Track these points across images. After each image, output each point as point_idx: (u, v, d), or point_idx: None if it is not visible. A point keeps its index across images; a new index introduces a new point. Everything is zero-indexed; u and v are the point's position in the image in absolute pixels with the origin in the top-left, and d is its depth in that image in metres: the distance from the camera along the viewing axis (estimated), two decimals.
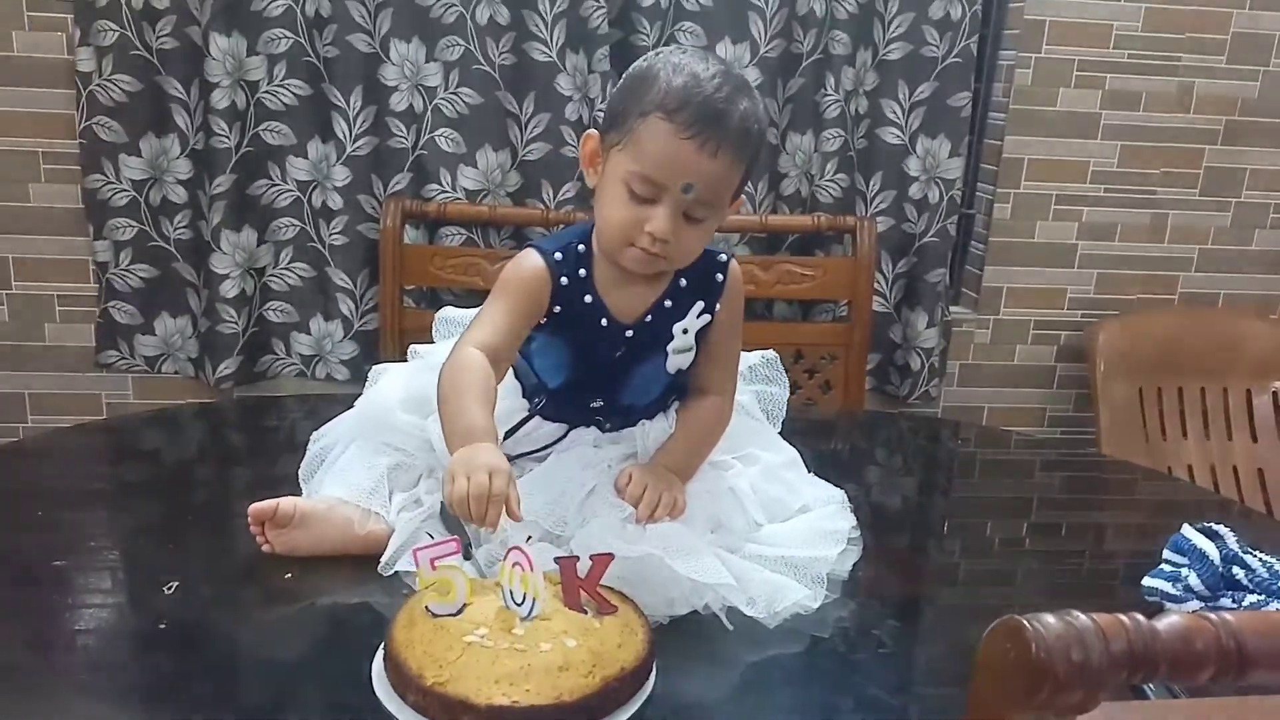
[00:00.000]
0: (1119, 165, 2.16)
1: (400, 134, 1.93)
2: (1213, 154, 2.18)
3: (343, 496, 1.03)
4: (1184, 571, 1.00)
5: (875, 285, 2.05)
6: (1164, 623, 0.52)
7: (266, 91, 1.89)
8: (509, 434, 1.06)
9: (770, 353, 1.24)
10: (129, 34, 1.84)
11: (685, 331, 1.05)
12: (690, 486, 1.04)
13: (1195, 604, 0.98)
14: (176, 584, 0.97)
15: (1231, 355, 2.15)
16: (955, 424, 1.80)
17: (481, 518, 0.86)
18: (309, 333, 2.02)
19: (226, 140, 1.87)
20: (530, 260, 1.03)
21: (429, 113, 1.93)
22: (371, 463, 1.05)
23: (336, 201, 1.95)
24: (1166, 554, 1.03)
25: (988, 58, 2.13)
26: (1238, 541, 1.01)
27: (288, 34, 1.86)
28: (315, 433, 1.15)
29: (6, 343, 1.99)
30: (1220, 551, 0.99)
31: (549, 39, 1.90)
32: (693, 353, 1.07)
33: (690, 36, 1.92)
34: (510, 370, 1.10)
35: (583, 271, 1.03)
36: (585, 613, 0.84)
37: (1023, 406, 2.27)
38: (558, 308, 1.03)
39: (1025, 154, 2.13)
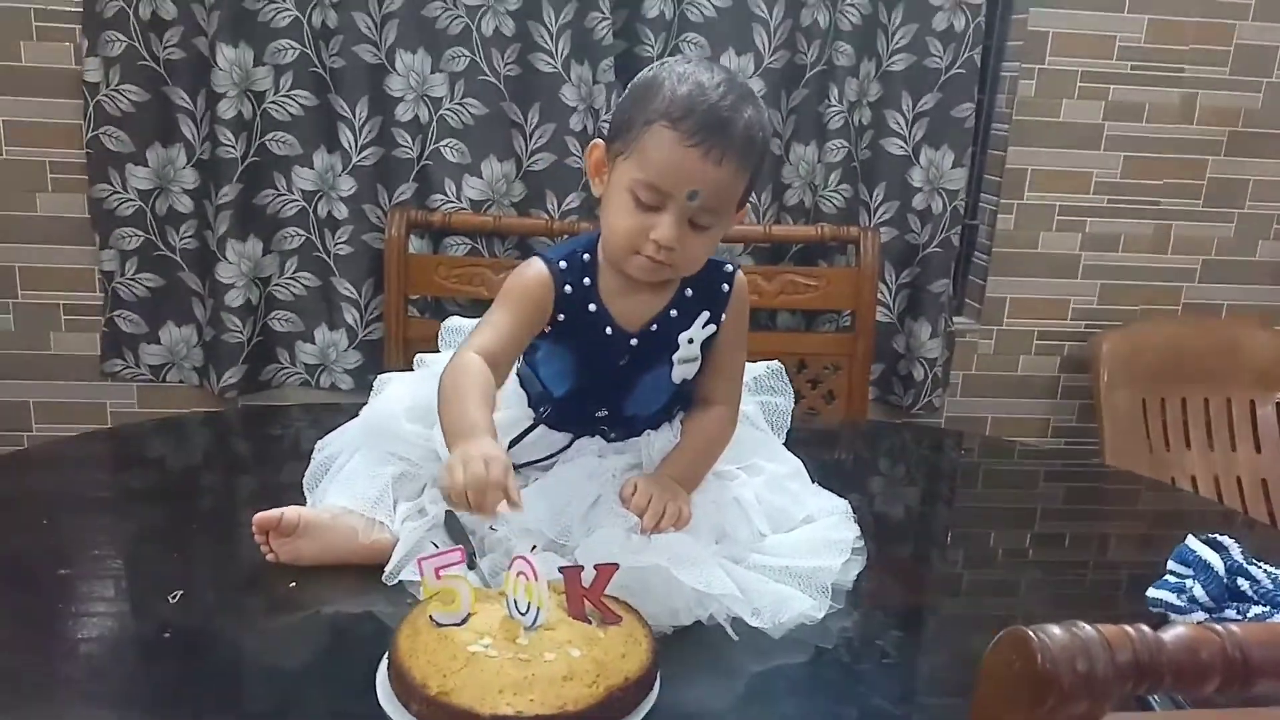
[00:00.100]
0: (1122, 176, 2.16)
1: (405, 144, 1.94)
2: (1216, 165, 2.18)
3: (347, 506, 1.03)
4: (1189, 583, 1.00)
5: (879, 295, 2.05)
6: (1169, 634, 0.52)
7: (273, 102, 1.90)
8: (514, 442, 1.06)
9: (775, 363, 1.24)
10: (136, 44, 1.85)
11: (690, 341, 1.05)
12: (695, 497, 1.05)
13: (1200, 615, 0.98)
14: (181, 593, 0.97)
15: (1235, 366, 2.15)
16: (959, 434, 1.79)
17: (480, 506, 0.85)
18: (314, 342, 2.03)
19: (233, 150, 1.88)
20: (534, 268, 1.04)
21: (434, 123, 1.93)
22: (376, 472, 1.06)
23: (342, 211, 1.96)
24: (1171, 565, 1.03)
25: (991, 69, 2.14)
26: (1242, 553, 1.01)
27: (294, 45, 1.87)
28: (320, 441, 1.15)
29: (12, 351, 2.00)
30: (1225, 563, 0.99)
31: (554, 50, 1.91)
32: (698, 363, 1.08)
33: (694, 48, 1.93)
34: (516, 379, 1.10)
35: (587, 280, 1.04)
36: (589, 622, 0.84)
37: (1026, 417, 2.27)
38: (561, 315, 1.03)
39: (1029, 165, 2.14)
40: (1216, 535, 1.03)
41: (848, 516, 1.13)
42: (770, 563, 1.02)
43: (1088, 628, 0.51)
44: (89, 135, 1.88)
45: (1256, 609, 0.97)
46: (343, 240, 1.97)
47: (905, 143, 2.04)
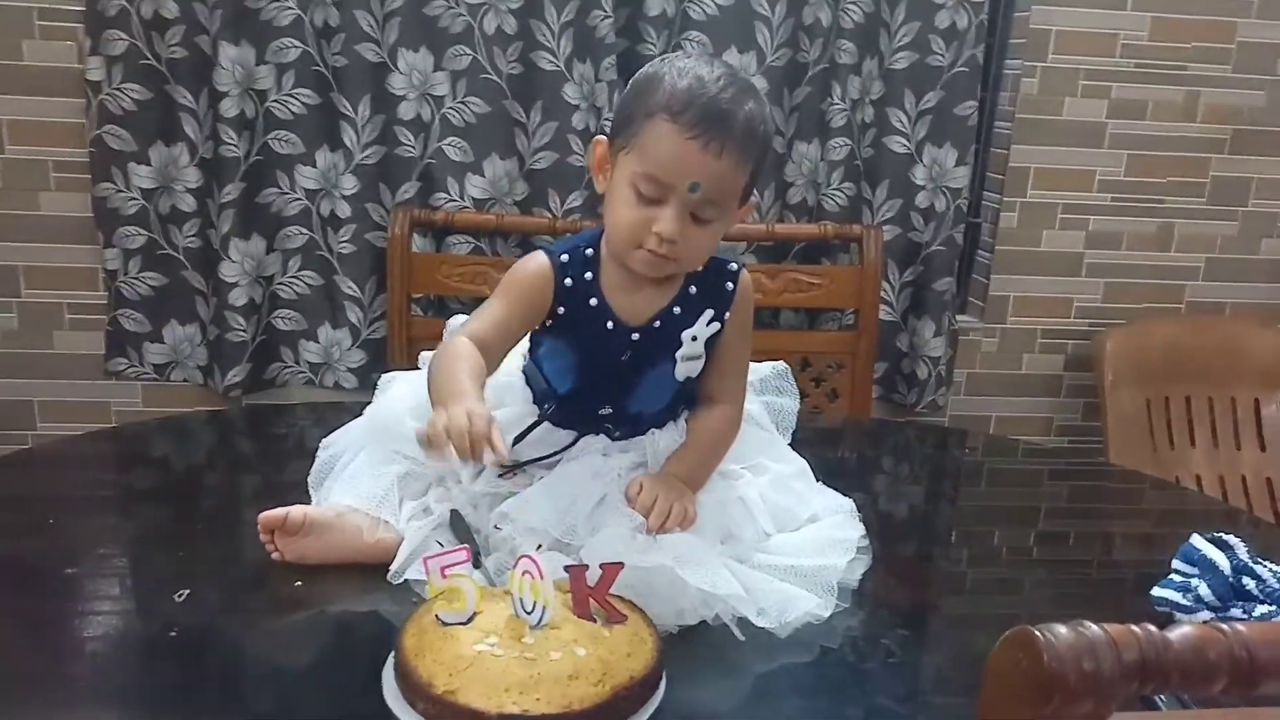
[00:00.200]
0: (1126, 174, 2.16)
1: (408, 143, 1.94)
2: (1219, 163, 2.18)
3: (352, 504, 1.03)
4: (1194, 582, 1.00)
5: (882, 294, 2.05)
6: (1176, 633, 0.52)
7: (275, 100, 1.90)
8: (518, 439, 1.06)
9: (781, 364, 1.24)
10: (138, 43, 1.85)
11: (694, 339, 1.05)
12: (700, 497, 1.04)
13: (1205, 614, 0.98)
14: (188, 592, 0.97)
15: (1239, 364, 2.15)
16: (962, 433, 1.79)
17: (462, 450, 0.85)
18: (317, 340, 2.03)
19: (235, 149, 1.88)
20: (535, 261, 1.04)
21: (437, 122, 1.93)
22: (381, 471, 1.06)
23: (345, 210, 1.96)
24: (1176, 564, 1.03)
25: (994, 67, 2.14)
26: (1248, 551, 1.01)
27: (296, 43, 1.88)
28: (324, 440, 1.15)
29: (16, 350, 2.00)
30: (1230, 562, 0.99)
31: (556, 48, 1.91)
32: (701, 361, 1.07)
33: (697, 46, 1.93)
34: (521, 377, 1.10)
35: (589, 274, 1.04)
36: (595, 621, 0.84)
37: (1030, 416, 2.27)
38: (561, 309, 1.04)
39: (1031, 163, 2.14)
40: (1222, 534, 1.03)
41: (852, 515, 1.12)
42: (775, 562, 1.02)
43: (1094, 627, 0.51)
44: (92, 134, 1.89)
45: (1262, 608, 0.97)
46: (346, 239, 1.97)
47: (908, 141, 2.04)
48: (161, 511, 1.20)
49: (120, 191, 1.92)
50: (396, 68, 1.90)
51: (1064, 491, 1.48)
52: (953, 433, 1.92)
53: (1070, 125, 2.12)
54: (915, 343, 2.13)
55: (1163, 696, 0.80)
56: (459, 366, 0.95)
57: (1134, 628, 0.51)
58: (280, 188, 1.95)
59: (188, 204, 1.93)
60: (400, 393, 1.13)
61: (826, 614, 0.98)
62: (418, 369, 1.20)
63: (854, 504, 1.15)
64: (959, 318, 2.21)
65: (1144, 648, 0.51)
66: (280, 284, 2.00)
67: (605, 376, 1.06)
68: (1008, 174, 2.14)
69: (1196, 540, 1.03)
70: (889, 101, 2.02)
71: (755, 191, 1.06)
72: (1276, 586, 0.97)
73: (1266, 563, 1.00)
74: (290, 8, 1.85)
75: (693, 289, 1.06)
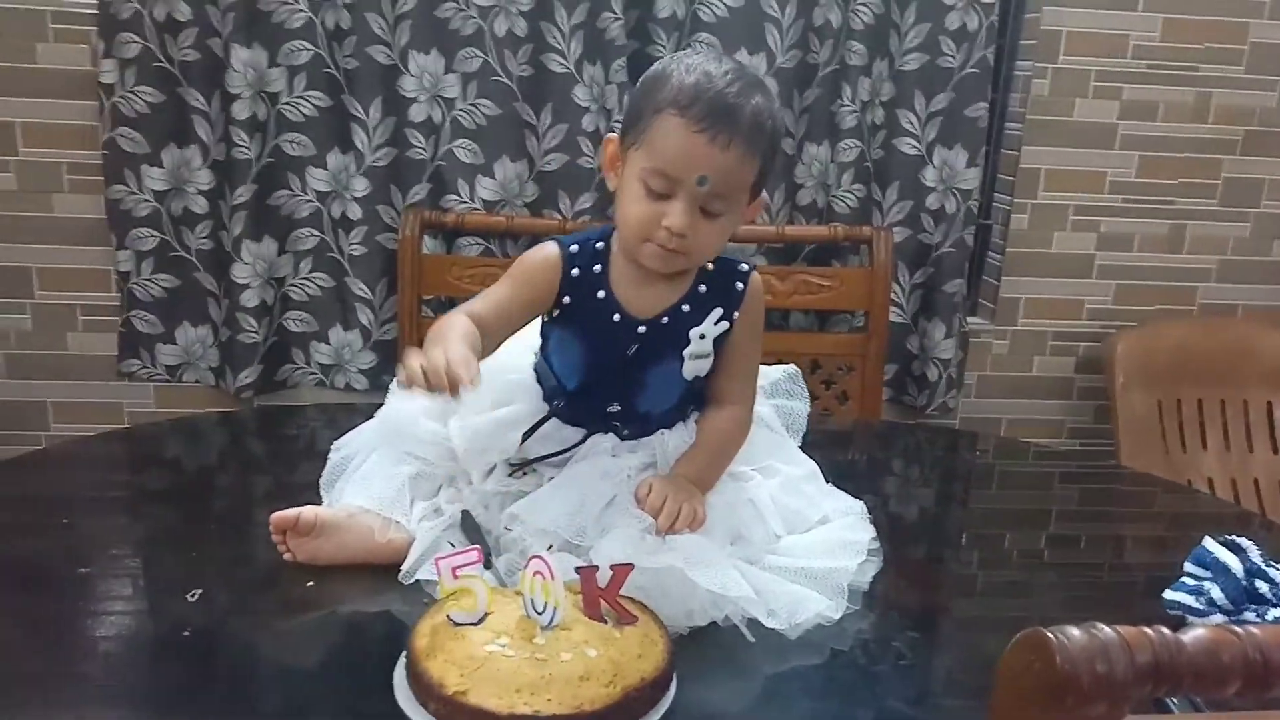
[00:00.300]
0: (1137, 176, 2.15)
1: (419, 145, 1.95)
2: (1231, 164, 2.17)
3: (364, 505, 1.04)
4: (1206, 585, 0.99)
5: (892, 296, 2.04)
6: (1189, 635, 0.52)
7: (287, 103, 1.91)
8: (527, 435, 1.07)
9: (792, 367, 1.24)
10: (151, 46, 1.86)
11: (702, 337, 1.05)
12: (710, 498, 1.05)
13: (1218, 617, 0.97)
14: (200, 591, 0.98)
15: (1251, 366, 2.14)
16: (973, 435, 1.79)
17: (438, 383, 0.85)
18: (328, 342, 2.04)
19: (247, 151, 1.89)
20: (545, 250, 1.05)
21: (447, 124, 1.94)
22: (392, 471, 1.06)
23: (356, 212, 1.97)
24: (1188, 567, 1.03)
25: (1004, 68, 2.13)
26: (1261, 554, 1.00)
27: (308, 46, 1.88)
28: (336, 442, 1.15)
29: (30, 351, 2.01)
30: (1243, 565, 0.99)
31: (566, 50, 1.91)
32: (710, 360, 1.07)
33: (706, 47, 1.93)
34: (532, 375, 1.11)
35: (598, 267, 1.04)
36: (605, 622, 0.84)
37: (1041, 418, 2.26)
38: (567, 299, 1.04)
39: (1042, 164, 2.13)
40: (1234, 537, 1.03)
41: (863, 517, 1.12)
42: (786, 564, 1.02)
43: (1107, 629, 0.51)
44: (105, 136, 1.90)
45: (1275, 611, 0.96)
46: (357, 241, 1.98)
47: (918, 142, 2.04)
48: (173, 512, 1.21)
49: (133, 193, 1.93)
50: (407, 70, 1.91)
51: (1075, 494, 1.48)
52: (963, 435, 1.92)
53: (1081, 126, 2.11)
54: (925, 345, 2.13)
55: (1175, 699, 0.79)
56: (450, 333, 0.95)
57: (1147, 630, 0.51)
58: (292, 190, 1.96)
59: (200, 206, 1.94)
60: (408, 397, 1.14)
61: (836, 616, 0.98)
62: None
63: (864, 506, 1.15)
64: (969, 320, 2.20)
65: (1157, 650, 0.50)
66: (292, 286, 2.01)
67: (612, 372, 1.06)
68: (1018, 175, 2.13)
69: (1209, 543, 1.02)
70: (899, 103, 2.02)
71: (765, 191, 1.06)
72: None
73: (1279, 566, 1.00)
74: (302, 10, 1.86)
75: (702, 288, 1.06)
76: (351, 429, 1.17)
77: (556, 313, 1.06)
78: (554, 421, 1.08)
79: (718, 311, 1.06)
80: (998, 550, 1.25)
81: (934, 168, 2.05)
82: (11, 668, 0.87)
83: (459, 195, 1.96)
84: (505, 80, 1.92)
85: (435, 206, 1.97)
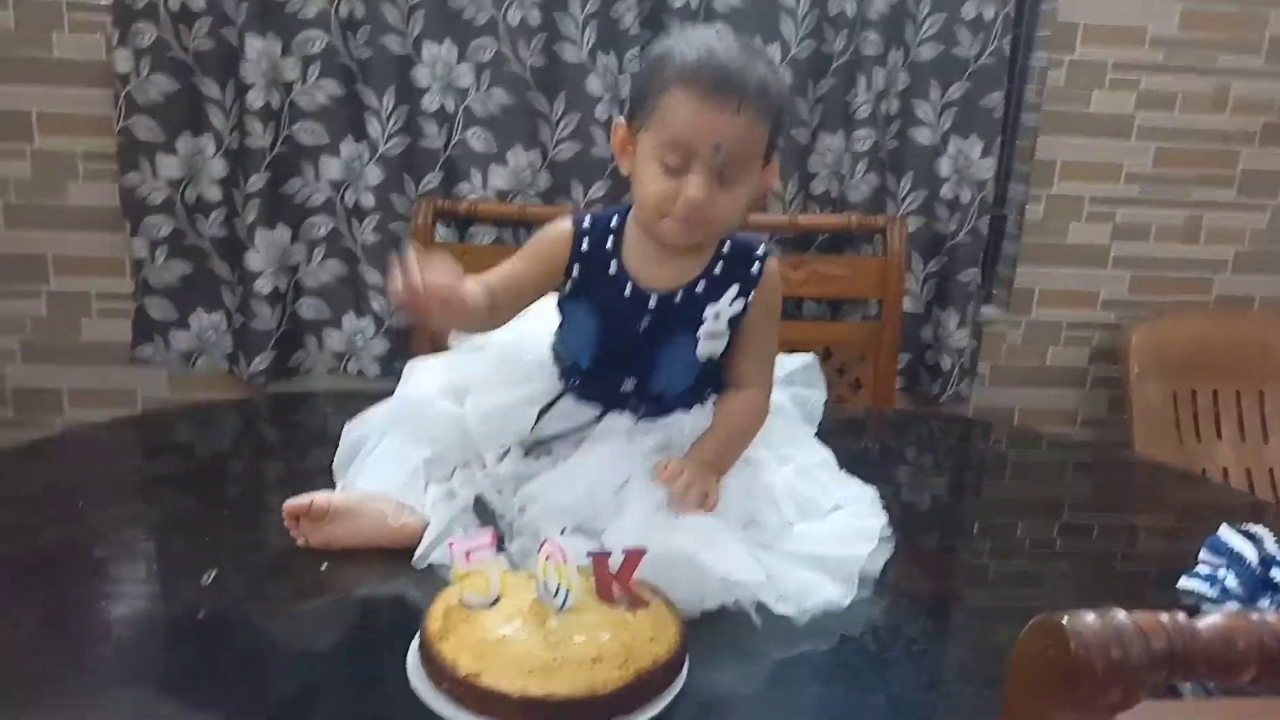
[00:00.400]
0: (1154, 166, 2.14)
1: (432, 134, 1.95)
2: (1249, 156, 2.15)
3: (377, 489, 1.04)
4: (1221, 573, 0.99)
5: (906, 285, 2.04)
6: (1204, 622, 0.52)
7: (300, 92, 1.91)
8: (543, 412, 1.07)
9: (810, 357, 1.24)
10: (166, 35, 1.87)
11: (717, 316, 1.05)
12: (724, 481, 1.05)
13: (1233, 606, 0.97)
14: (215, 571, 0.98)
15: (1267, 357, 2.12)
16: (986, 424, 1.79)
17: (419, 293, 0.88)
18: (341, 329, 2.04)
19: (261, 140, 1.89)
20: (558, 224, 1.07)
21: (460, 113, 1.94)
22: (406, 455, 1.06)
23: (369, 201, 1.97)
24: (1203, 555, 1.03)
25: (1020, 58, 2.12)
26: (1276, 543, 1.00)
27: (321, 35, 1.88)
28: (349, 423, 1.16)
29: (44, 337, 2.02)
30: (1258, 553, 0.98)
31: (580, 40, 1.91)
32: (724, 340, 1.07)
33: (705, 26, 1.92)
34: (550, 355, 1.12)
35: (610, 241, 1.05)
36: (618, 606, 0.84)
37: (1054, 408, 2.26)
38: (577, 271, 1.05)
39: (1058, 155, 2.12)
40: (1250, 526, 1.02)
41: (875, 504, 1.12)
42: (798, 549, 1.02)
43: (1122, 615, 0.51)
44: (120, 125, 1.90)
45: None
46: (370, 229, 1.98)
47: (933, 132, 2.03)
48: (187, 497, 1.21)
49: (147, 181, 1.93)
50: (421, 59, 1.91)
51: (1088, 484, 1.47)
52: (976, 424, 1.92)
53: (1098, 117, 2.10)
54: (939, 334, 2.12)
55: (1188, 685, 0.79)
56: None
57: (1162, 616, 0.51)
58: (305, 178, 1.96)
59: (214, 194, 1.95)
60: (428, 377, 1.14)
61: (846, 602, 0.98)
62: (451, 349, 1.21)
63: (876, 493, 1.15)
64: (984, 309, 2.19)
65: (1172, 636, 0.50)
66: (305, 273, 2.01)
67: (626, 348, 1.06)
68: (1034, 166, 2.12)
69: (1224, 532, 1.02)
70: (914, 93, 2.01)
71: (776, 157, 1.06)
72: None
73: None
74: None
75: (719, 267, 1.06)
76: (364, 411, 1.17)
77: (569, 287, 1.06)
78: (569, 399, 1.09)
79: (734, 290, 1.06)
80: (1010, 539, 1.24)
81: (949, 157, 2.03)
82: (27, 650, 0.87)
83: (471, 184, 1.96)
84: (518, 70, 1.92)
85: (448, 195, 1.97)
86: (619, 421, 1.08)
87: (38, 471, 1.24)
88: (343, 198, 1.98)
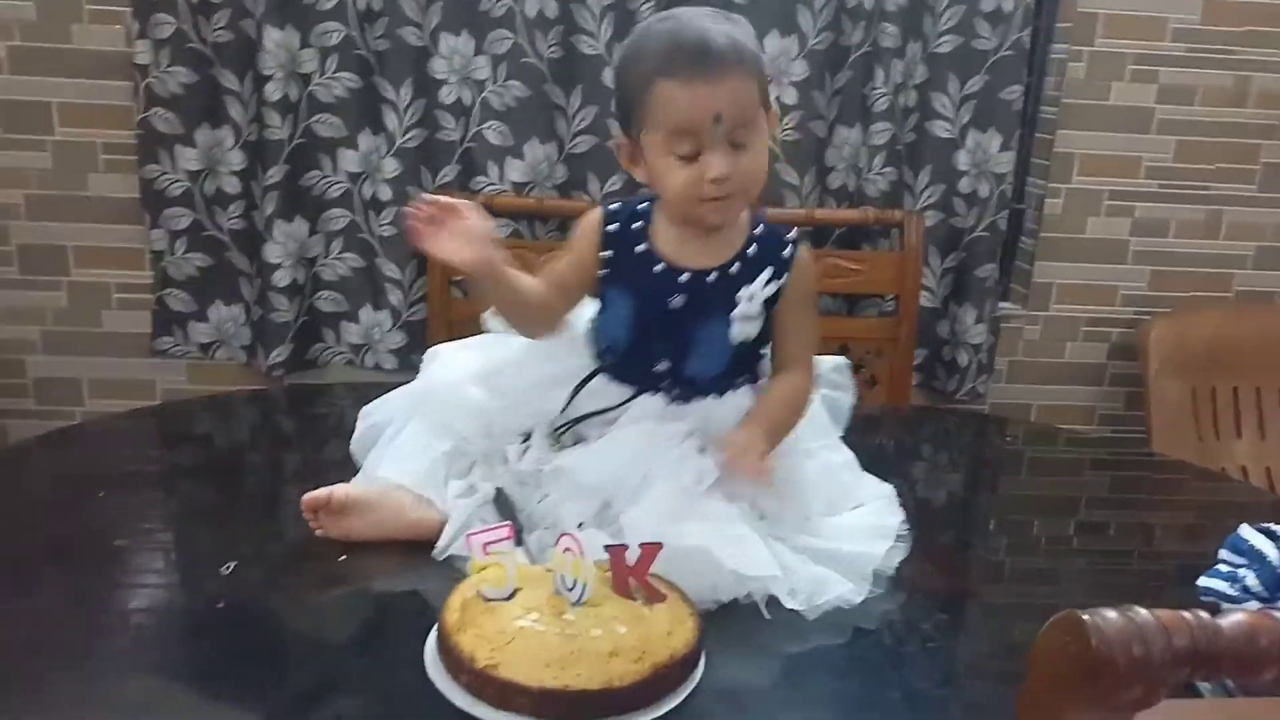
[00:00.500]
0: (1174, 160, 2.12)
1: (449, 127, 1.95)
2: (1270, 149, 2.13)
3: (398, 480, 1.04)
4: (1241, 572, 0.98)
5: (923, 280, 2.03)
6: (1227, 620, 0.51)
7: (318, 84, 1.91)
8: (577, 389, 1.08)
9: (841, 359, 1.24)
10: (185, 27, 1.87)
11: (751, 299, 1.05)
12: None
13: (1253, 605, 0.96)
14: (235, 563, 0.99)
15: None
16: (1003, 421, 1.78)
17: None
18: (358, 322, 2.05)
19: (279, 132, 1.90)
20: (591, 214, 1.10)
21: (477, 106, 1.94)
22: (428, 447, 1.07)
23: (386, 193, 1.97)
24: (1223, 554, 1.02)
25: (1040, 51, 2.10)
26: None
27: (339, 27, 1.89)
28: (365, 409, 1.16)
29: (65, 328, 2.04)
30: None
31: (597, 32, 1.90)
32: (758, 324, 1.07)
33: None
34: (584, 339, 1.13)
35: (639, 223, 1.07)
36: (635, 600, 0.84)
37: (1072, 404, 2.24)
38: (609, 254, 1.07)
39: (1077, 149, 2.10)
40: (1271, 525, 1.01)
41: (893, 502, 1.12)
42: (815, 544, 1.02)
43: (1144, 612, 0.50)
44: (139, 116, 1.91)
45: None
46: (387, 222, 1.99)
47: (951, 125, 2.01)
48: (206, 488, 1.22)
49: (166, 173, 1.94)
50: (438, 51, 1.91)
51: (1105, 481, 1.47)
52: (992, 420, 1.91)
53: (1117, 110, 2.08)
54: (956, 330, 2.11)
55: (1208, 684, 0.79)
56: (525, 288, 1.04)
57: (1185, 614, 0.51)
58: (323, 171, 1.97)
59: (232, 186, 1.96)
60: (453, 363, 1.15)
61: (859, 600, 0.98)
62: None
63: (894, 490, 1.15)
64: (1001, 305, 2.18)
65: (1195, 634, 0.50)
66: (322, 266, 2.02)
67: (659, 327, 1.07)
68: (1053, 160, 2.11)
69: (1245, 530, 1.01)
70: (932, 86, 2.00)
71: (775, 102, 1.08)
72: None
73: None
74: None
75: (752, 250, 1.07)
76: (382, 399, 1.17)
77: (604, 272, 1.08)
78: (602, 378, 1.09)
79: (768, 272, 1.06)
80: (1026, 536, 1.24)
81: (967, 151, 2.02)
82: (48, 639, 0.88)
83: (488, 177, 1.96)
84: (535, 62, 1.92)
85: (465, 188, 1.98)
86: (651, 404, 1.07)
87: (58, 461, 1.25)
88: (360, 190, 1.99)
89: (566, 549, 0.83)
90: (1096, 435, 2.21)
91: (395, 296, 2.02)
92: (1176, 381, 2.06)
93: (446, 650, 0.81)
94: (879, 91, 1.98)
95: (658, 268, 1.06)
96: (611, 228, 1.07)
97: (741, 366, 1.11)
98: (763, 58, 1.05)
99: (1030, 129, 2.15)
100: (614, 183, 1.98)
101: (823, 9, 1.92)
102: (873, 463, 1.20)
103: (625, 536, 0.93)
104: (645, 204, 1.09)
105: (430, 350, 1.21)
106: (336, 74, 1.91)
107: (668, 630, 0.82)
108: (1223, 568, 1.01)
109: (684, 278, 1.06)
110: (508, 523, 0.92)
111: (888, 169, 2.03)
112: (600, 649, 0.79)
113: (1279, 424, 2.10)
